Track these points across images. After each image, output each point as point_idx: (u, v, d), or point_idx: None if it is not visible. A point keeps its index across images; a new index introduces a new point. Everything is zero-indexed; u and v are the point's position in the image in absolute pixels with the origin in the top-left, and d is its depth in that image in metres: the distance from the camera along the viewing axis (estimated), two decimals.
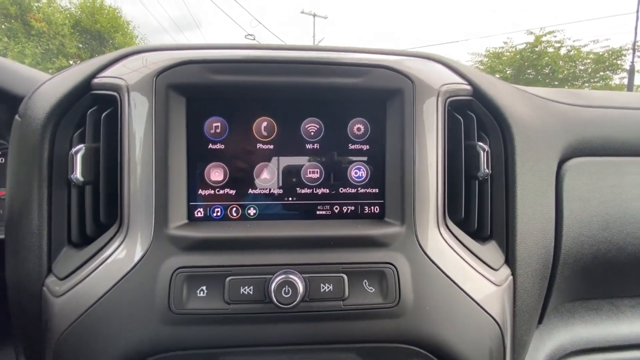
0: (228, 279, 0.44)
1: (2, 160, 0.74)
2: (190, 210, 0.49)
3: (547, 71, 15.95)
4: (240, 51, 0.49)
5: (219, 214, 0.49)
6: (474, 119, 0.53)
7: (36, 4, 15.06)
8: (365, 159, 0.51)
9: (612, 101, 0.66)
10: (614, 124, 0.62)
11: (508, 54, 16.63)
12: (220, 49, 0.49)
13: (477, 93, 0.53)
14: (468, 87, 0.53)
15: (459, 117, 0.52)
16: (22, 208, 0.48)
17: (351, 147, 0.51)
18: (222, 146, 0.49)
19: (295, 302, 0.43)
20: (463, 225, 0.53)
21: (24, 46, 14.24)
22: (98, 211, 0.49)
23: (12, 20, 14.45)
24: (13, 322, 0.51)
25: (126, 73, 0.48)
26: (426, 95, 0.49)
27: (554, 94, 0.64)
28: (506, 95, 0.55)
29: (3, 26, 14.54)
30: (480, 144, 0.51)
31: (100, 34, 16.57)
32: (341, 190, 0.51)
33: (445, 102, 0.51)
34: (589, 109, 0.63)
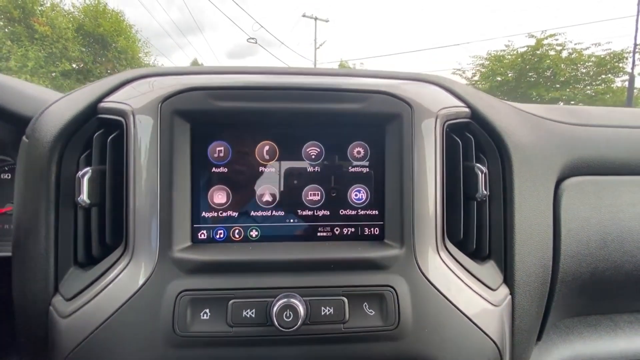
0: (231, 302, 0.45)
1: (8, 176, 0.75)
2: (194, 232, 0.50)
3: (548, 74, 15.94)
4: (243, 77, 0.50)
5: (222, 235, 0.50)
6: (472, 140, 0.54)
7: (40, 8, 15.19)
8: (365, 181, 0.52)
9: (609, 119, 0.67)
10: (611, 143, 0.63)
11: (509, 57, 16.63)
12: (223, 74, 0.51)
13: (475, 115, 0.54)
14: (466, 110, 0.53)
15: (457, 139, 0.53)
16: (29, 229, 0.49)
17: (351, 169, 0.52)
18: (225, 169, 0.50)
19: (296, 326, 0.44)
20: (461, 245, 0.53)
21: (28, 50, 14.35)
22: (104, 233, 0.50)
23: (16, 24, 14.56)
24: (19, 340, 0.52)
25: (132, 98, 0.49)
26: (424, 118, 0.50)
27: (551, 112, 0.65)
28: (504, 117, 0.56)
29: (7, 30, 14.65)
30: (479, 165, 0.52)
31: (103, 37, 16.69)
32: (341, 212, 0.51)
33: (444, 125, 0.52)
34: (586, 127, 0.64)
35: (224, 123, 0.50)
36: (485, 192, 0.52)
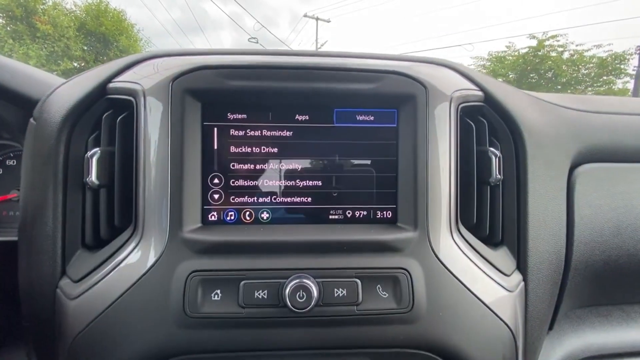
0: (242, 282, 0.45)
1: (13, 162, 0.74)
2: (204, 214, 0.49)
3: (549, 75, 15.94)
4: (255, 57, 0.50)
5: (232, 217, 0.50)
6: (486, 124, 0.53)
7: (41, 7, 15.20)
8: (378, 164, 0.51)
9: (621, 107, 0.66)
10: (624, 130, 0.62)
11: (511, 58, 16.64)
12: (234, 55, 0.50)
13: (489, 99, 0.53)
14: (479, 93, 0.53)
15: (471, 122, 0.52)
16: (37, 210, 0.49)
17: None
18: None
19: (309, 307, 0.43)
20: (474, 230, 0.53)
21: (29, 48, 14.35)
22: (112, 214, 0.49)
23: (18, 23, 14.57)
24: (25, 323, 0.52)
25: (142, 77, 0.49)
26: (439, 100, 0.49)
27: (564, 100, 0.64)
28: (517, 102, 0.55)
29: (8, 28, 14.66)
30: (492, 149, 0.52)
31: (105, 36, 16.70)
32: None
33: (458, 107, 0.51)
34: (599, 115, 0.63)
35: (234, 103, 0.49)
36: (499, 176, 0.51)
